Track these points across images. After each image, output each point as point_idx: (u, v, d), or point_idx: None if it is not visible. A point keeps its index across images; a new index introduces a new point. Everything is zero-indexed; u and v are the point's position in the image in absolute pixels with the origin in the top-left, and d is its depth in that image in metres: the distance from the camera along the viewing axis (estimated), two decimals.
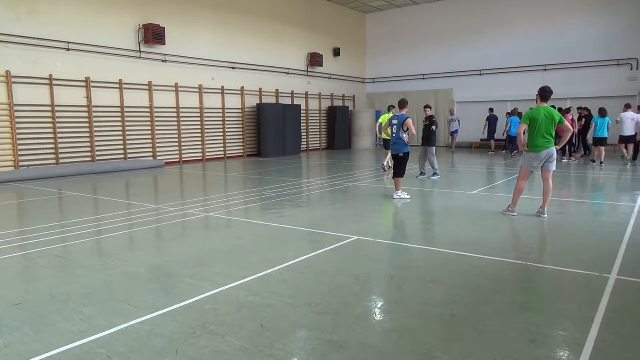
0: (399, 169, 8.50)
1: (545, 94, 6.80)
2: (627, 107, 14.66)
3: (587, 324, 3.29)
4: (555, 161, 6.89)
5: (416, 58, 23.80)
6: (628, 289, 4.07)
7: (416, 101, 23.70)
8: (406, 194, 8.51)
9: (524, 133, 6.91)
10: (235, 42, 18.16)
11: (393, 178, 8.73)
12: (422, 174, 11.33)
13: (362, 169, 14.42)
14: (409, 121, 8.33)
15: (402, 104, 8.64)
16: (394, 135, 8.42)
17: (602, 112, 14.49)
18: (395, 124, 8.41)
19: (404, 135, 8.30)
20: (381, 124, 15.89)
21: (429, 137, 11.32)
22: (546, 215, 6.88)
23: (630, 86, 18.89)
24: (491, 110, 19.91)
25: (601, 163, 13.90)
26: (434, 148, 11.36)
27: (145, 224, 6.85)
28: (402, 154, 8.42)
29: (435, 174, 11.14)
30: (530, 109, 7.39)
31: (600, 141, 14.20)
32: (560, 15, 20.02)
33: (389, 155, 10.78)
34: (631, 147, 14.51)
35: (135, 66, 14.97)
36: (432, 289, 4.10)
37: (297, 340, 3.19)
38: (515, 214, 7.04)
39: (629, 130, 14.20)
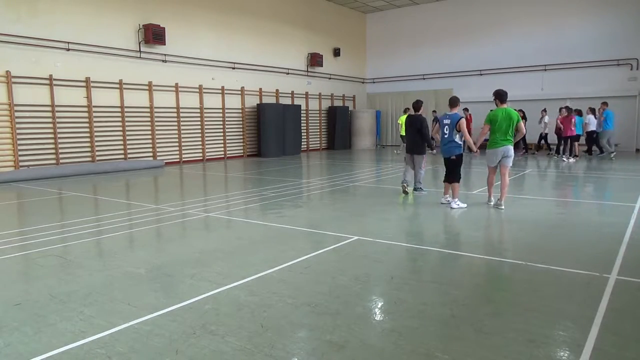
0: (455, 173, 7.75)
1: (502, 97, 7.53)
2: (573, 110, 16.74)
3: (587, 324, 3.29)
4: (511, 157, 7.56)
5: (416, 58, 23.80)
6: (628, 289, 4.07)
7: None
8: (464, 203, 7.75)
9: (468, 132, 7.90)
10: (235, 42, 18.16)
11: (449, 183, 7.84)
12: (420, 189, 9.20)
13: (362, 169, 14.42)
14: (463, 122, 7.68)
15: (454, 102, 7.90)
16: (446, 136, 7.77)
17: (579, 112, 16.34)
18: (447, 124, 7.74)
19: (457, 137, 7.73)
20: (400, 124, 16.78)
21: (419, 143, 9.00)
22: (503, 207, 7.48)
23: (630, 86, 18.90)
24: (434, 112, 21.25)
25: (575, 156, 15.94)
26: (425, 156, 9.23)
27: (145, 224, 6.85)
28: (454, 157, 7.76)
29: (421, 187, 9.18)
30: (491, 110, 7.77)
31: (576, 138, 16.08)
32: (560, 15, 20.02)
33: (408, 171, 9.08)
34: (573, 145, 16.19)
35: (135, 66, 14.97)
36: (432, 289, 4.10)
37: (297, 340, 3.19)
38: (491, 203, 7.75)
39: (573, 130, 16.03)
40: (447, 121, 7.81)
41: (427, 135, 8.89)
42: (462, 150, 7.98)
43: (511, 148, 7.48)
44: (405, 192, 8.89)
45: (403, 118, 17.12)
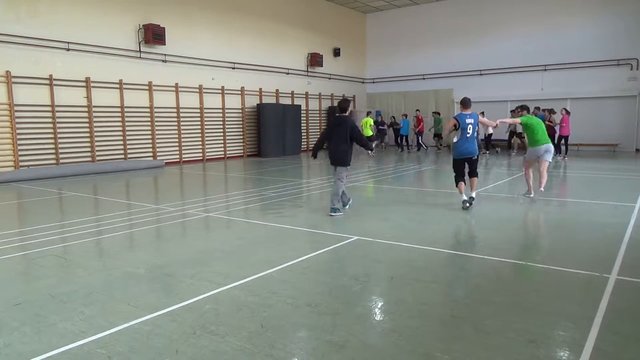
0: (476, 169, 7.90)
1: (526, 110, 8.77)
2: (481, 114, 18.53)
3: (587, 324, 3.29)
4: (551, 153, 8.44)
5: (416, 58, 23.80)
6: (628, 289, 4.08)
7: (416, 101, 23.75)
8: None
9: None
10: (235, 42, 18.16)
11: (471, 178, 7.84)
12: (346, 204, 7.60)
13: (361, 169, 14.42)
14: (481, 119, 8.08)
15: (469, 102, 7.83)
16: (468, 135, 7.60)
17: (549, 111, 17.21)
18: (470, 123, 7.59)
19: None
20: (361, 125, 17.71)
21: (346, 152, 7.27)
22: (542, 189, 8.29)
23: (630, 86, 18.90)
24: (378, 113, 23.18)
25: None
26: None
27: (145, 224, 6.85)
28: (476, 157, 7.80)
29: (338, 208, 7.33)
30: (522, 115, 8.67)
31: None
32: (560, 15, 20.01)
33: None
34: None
35: (135, 66, 14.97)
36: (432, 289, 4.10)
37: (297, 340, 3.19)
38: (532, 194, 8.33)
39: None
40: (470, 120, 7.61)
41: (362, 138, 7.45)
42: None
43: (551, 145, 8.44)
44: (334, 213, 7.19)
45: (366, 120, 18.42)
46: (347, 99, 7.69)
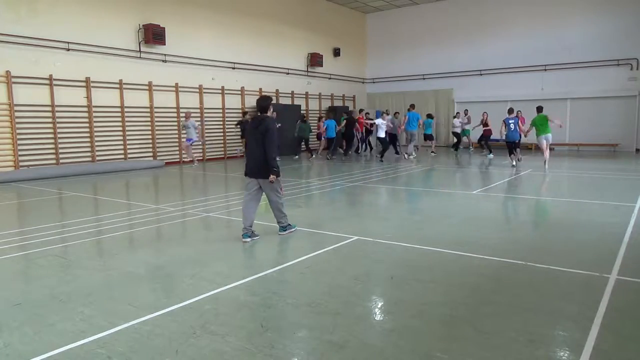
0: (518, 148, 14.05)
1: (538, 109, 13.23)
2: (386, 113, 18.66)
3: (587, 324, 3.29)
4: (550, 140, 12.99)
5: (416, 58, 23.80)
6: (628, 289, 4.08)
7: (416, 101, 23.70)
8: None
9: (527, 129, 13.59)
10: (235, 42, 18.16)
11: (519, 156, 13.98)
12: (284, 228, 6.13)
13: (361, 169, 14.42)
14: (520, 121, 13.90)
15: (511, 110, 14.11)
16: (512, 128, 13.44)
17: (429, 115, 18.64)
18: (512, 122, 13.51)
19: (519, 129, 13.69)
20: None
21: (266, 162, 5.73)
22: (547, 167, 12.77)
23: (630, 86, 18.90)
24: (378, 113, 21.58)
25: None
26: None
27: (145, 224, 6.85)
28: (517, 141, 13.62)
29: (288, 225, 6.10)
30: (538, 116, 12.83)
31: (427, 136, 18.75)
32: (560, 15, 20.02)
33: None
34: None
35: (135, 66, 14.97)
36: (432, 289, 4.10)
37: (297, 340, 3.19)
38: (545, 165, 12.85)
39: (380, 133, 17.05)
40: (512, 120, 13.51)
41: (271, 149, 5.68)
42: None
43: (550, 135, 12.87)
44: (249, 238, 5.77)
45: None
46: (268, 96, 6.19)
